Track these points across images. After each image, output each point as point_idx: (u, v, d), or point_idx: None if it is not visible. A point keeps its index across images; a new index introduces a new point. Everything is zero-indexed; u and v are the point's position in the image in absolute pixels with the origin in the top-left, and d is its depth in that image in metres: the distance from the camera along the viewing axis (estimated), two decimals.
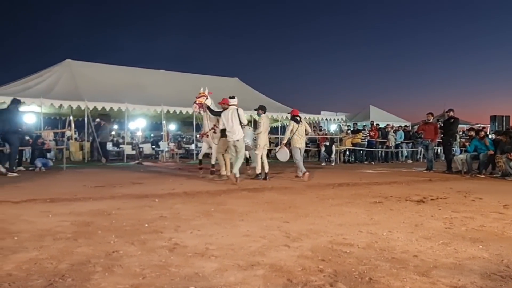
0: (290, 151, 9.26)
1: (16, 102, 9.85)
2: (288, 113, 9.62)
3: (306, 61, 75.06)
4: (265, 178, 8.54)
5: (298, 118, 9.12)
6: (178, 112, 15.40)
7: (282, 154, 9.21)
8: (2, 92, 12.80)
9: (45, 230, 3.65)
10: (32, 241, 3.27)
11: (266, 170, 8.66)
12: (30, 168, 10.93)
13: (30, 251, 2.98)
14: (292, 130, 8.92)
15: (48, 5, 68.40)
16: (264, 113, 8.92)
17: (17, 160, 10.87)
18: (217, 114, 8.42)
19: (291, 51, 76.70)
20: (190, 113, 14.32)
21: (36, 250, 2.99)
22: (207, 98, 8.50)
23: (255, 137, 8.94)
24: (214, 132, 8.69)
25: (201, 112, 8.73)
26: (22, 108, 13.44)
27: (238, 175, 7.86)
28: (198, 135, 12.80)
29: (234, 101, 8.09)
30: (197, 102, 8.46)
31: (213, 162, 9.02)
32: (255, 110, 9.18)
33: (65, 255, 2.88)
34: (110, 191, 6.56)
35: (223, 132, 8.20)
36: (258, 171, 8.62)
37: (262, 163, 8.66)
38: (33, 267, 2.61)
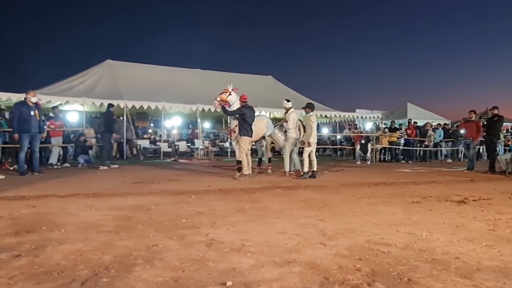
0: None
1: (110, 106, 11.12)
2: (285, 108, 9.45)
3: (341, 58, 73.95)
4: (313, 176, 8.44)
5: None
6: (213, 110, 15.58)
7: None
8: (48, 91, 13.42)
9: (89, 223, 3.82)
10: (78, 233, 3.44)
11: (315, 168, 8.58)
12: (74, 164, 11.45)
13: (76, 242, 3.13)
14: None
15: (90, 9, 71.14)
16: (312, 111, 8.79)
17: (61, 156, 11.45)
18: (229, 113, 8.40)
19: (325, 48, 75.56)
20: None
21: (81, 242, 3.14)
22: (229, 94, 8.28)
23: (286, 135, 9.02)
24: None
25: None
26: (66, 107, 14.14)
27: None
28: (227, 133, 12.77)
29: (290, 104, 9.18)
30: (217, 99, 8.30)
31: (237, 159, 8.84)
32: (303, 108, 9.13)
33: (108, 247, 3.01)
34: (148, 187, 6.77)
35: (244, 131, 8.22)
36: (306, 169, 8.53)
37: (311, 161, 8.57)
38: (79, 258, 2.75)
